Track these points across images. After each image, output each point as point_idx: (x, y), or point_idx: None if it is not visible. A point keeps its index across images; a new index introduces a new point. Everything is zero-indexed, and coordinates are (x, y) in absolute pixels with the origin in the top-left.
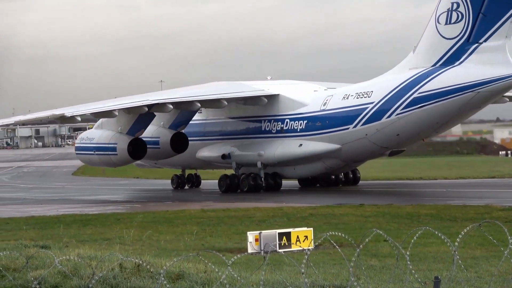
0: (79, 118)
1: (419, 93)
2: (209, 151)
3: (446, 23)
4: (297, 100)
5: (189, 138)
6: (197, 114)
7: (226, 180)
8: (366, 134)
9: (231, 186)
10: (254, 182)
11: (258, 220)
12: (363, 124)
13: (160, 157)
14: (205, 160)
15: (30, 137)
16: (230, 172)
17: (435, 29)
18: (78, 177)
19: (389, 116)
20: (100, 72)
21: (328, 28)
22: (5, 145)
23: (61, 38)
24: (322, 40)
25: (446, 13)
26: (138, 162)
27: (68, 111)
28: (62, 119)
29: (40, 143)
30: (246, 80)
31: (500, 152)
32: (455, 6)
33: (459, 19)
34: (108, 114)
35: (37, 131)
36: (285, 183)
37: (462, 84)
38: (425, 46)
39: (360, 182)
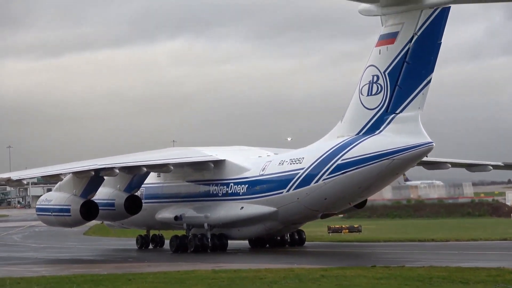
0: (25, 182)
1: (342, 160)
2: (165, 213)
3: (368, 95)
4: (240, 165)
5: (149, 201)
6: (156, 177)
7: (176, 240)
8: (298, 198)
9: (181, 246)
10: (200, 242)
11: (270, 281)
12: (295, 189)
13: (116, 218)
14: (162, 221)
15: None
16: (181, 232)
17: (359, 100)
18: (90, 237)
19: (316, 181)
20: (116, 131)
21: (344, 88)
22: (17, 204)
23: (80, 97)
24: (338, 99)
25: (367, 85)
26: (108, 222)
27: (14, 175)
28: (10, 182)
29: None
30: (262, 141)
31: None
32: (375, 78)
33: (378, 91)
34: (56, 177)
35: (49, 190)
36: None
37: (378, 152)
38: (350, 115)
39: (364, 243)
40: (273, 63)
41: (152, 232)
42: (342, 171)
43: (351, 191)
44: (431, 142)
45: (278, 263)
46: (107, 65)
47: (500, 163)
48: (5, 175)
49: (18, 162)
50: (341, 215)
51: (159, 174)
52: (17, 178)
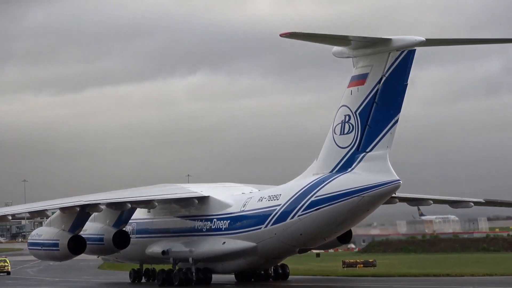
0: (10, 217)
1: (316, 196)
2: (154, 248)
3: (340, 134)
4: (223, 201)
5: (140, 235)
6: (147, 213)
7: (162, 274)
8: (275, 234)
9: (167, 280)
10: (184, 276)
11: None
12: (272, 224)
13: (104, 253)
14: (151, 256)
15: None
16: (170, 267)
17: (332, 139)
18: (104, 270)
19: (292, 217)
20: (132, 165)
21: None
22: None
23: (97, 132)
24: None
25: (340, 124)
26: (104, 256)
27: None
28: None
29: None
30: (279, 175)
31: None
32: (347, 118)
33: (350, 130)
34: (41, 213)
35: None
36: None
37: (349, 189)
38: (325, 154)
39: (379, 278)
40: (291, 98)
41: (145, 266)
42: (316, 208)
43: (325, 227)
44: (399, 180)
45: None
46: (126, 100)
47: (481, 200)
48: None
49: (33, 196)
50: (356, 250)
51: (149, 210)
52: (2, 214)
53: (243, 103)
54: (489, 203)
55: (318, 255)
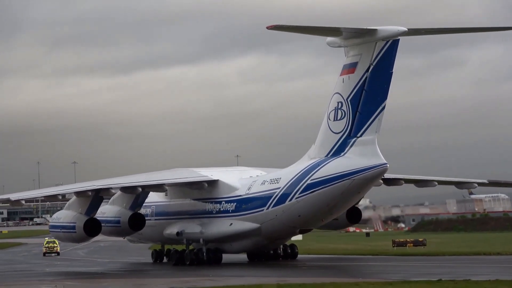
0: (23, 202)
1: (311, 180)
2: (169, 229)
3: (334, 120)
4: (231, 185)
5: (158, 218)
6: (164, 196)
7: (176, 254)
8: (276, 215)
9: (180, 260)
10: (195, 256)
11: None
12: (273, 206)
13: (121, 234)
14: (168, 237)
15: None
16: (181, 247)
17: (327, 124)
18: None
19: (290, 200)
20: (181, 147)
21: (413, 105)
22: None
23: (148, 115)
24: (404, 115)
25: (334, 111)
26: (129, 238)
27: (13, 196)
28: (10, 202)
29: None
30: None
31: None
32: (340, 105)
33: (343, 116)
34: (54, 198)
35: None
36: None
37: (340, 172)
38: (320, 139)
39: (429, 257)
40: None
41: (166, 247)
42: (311, 190)
43: (321, 209)
44: (386, 163)
45: (336, 276)
46: (178, 83)
47: (485, 181)
48: (5, 196)
49: (82, 177)
50: (406, 229)
51: (166, 193)
52: (16, 198)
53: (294, 85)
54: (492, 184)
55: (368, 234)
